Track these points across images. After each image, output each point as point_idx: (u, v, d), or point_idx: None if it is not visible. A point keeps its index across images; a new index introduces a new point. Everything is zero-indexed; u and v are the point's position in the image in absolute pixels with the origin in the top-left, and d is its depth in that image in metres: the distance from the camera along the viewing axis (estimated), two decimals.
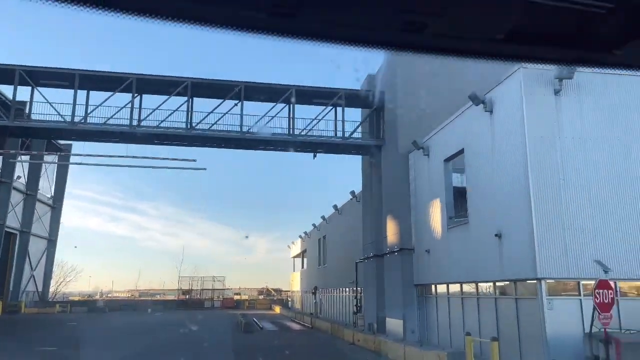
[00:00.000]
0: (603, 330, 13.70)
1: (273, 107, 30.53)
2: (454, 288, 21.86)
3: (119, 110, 29.49)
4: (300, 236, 64.69)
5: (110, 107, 29.63)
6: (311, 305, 51.11)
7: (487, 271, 18.61)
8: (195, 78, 30.40)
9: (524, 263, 16.20)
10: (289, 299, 73.92)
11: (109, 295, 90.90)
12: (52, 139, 42.47)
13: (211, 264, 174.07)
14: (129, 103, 29.65)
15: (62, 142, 49.97)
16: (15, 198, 50.16)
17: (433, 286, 23.94)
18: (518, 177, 16.89)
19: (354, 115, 34.53)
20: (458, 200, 22.35)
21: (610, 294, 13.68)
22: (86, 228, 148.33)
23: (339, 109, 31.28)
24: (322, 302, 48.00)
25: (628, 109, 17.22)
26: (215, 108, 30.05)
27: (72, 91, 29.47)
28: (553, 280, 15.83)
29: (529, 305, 16.27)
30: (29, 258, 53.93)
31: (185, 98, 30.05)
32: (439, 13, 1.50)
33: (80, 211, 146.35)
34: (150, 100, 35.24)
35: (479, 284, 19.86)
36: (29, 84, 29.57)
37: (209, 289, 76.24)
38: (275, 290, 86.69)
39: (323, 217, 49.82)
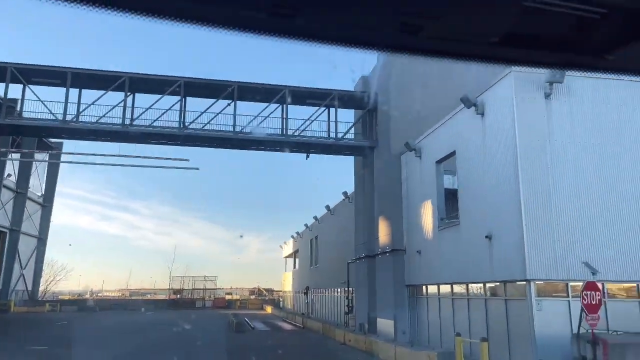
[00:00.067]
0: (590, 331, 13.83)
1: (266, 107, 30.51)
2: (445, 289, 21.96)
3: (112, 109, 29.34)
4: (292, 236, 64.63)
5: (102, 106, 29.49)
6: (303, 305, 51.09)
7: (478, 272, 18.73)
8: (188, 77, 30.32)
9: (514, 264, 16.33)
10: (281, 299, 73.82)
11: (99, 294, 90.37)
12: (43, 137, 42.12)
13: (203, 263, 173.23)
14: (121, 102, 29.51)
15: (53, 140, 49.59)
16: (5, 196, 49.71)
17: (424, 287, 24.03)
18: (508, 180, 17.01)
19: (347, 116, 34.62)
20: (449, 201, 22.47)
21: (598, 295, 13.82)
22: (77, 227, 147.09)
23: (332, 110, 31.33)
24: (314, 303, 48.00)
25: (617, 113, 17.40)
26: (209, 108, 30.00)
27: (64, 89, 29.31)
28: (542, 282, 15.97)
29: (518, 306, 16.39)
30: (19, 257, 53.47)
31: (179, 97, 29.97)
32: (435, 16, 1.53)
33: (71, 210, 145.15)
34: (143, 99, 35.00)
35: (470, 284, 19.98)
36: (20, 81, 29.33)
37: (200, 289, 76.00)
38: (267, 290, 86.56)
39: (315, 218, 49.81)
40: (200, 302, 71.13)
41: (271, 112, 30.48)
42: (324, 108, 31.15)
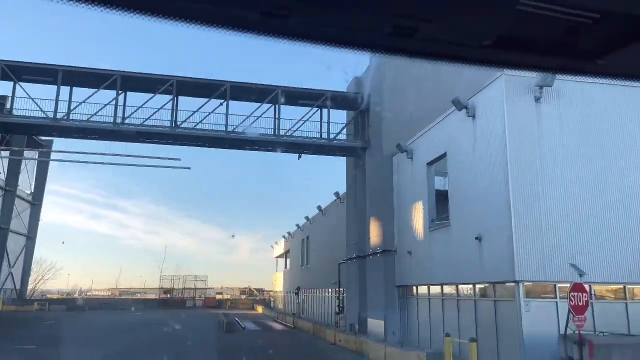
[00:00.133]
0: (577, 332, 13.97)
1: (259, 107, 30.45)
2: (435, 289, 22.05)
3: (103, 107, 29.11)
4: (283, 236, 64.56)
5: (94, 104, 29.26)
6: (293, 305, 51.06)
7: (468, 273, 18.83)
8: (180, 76, 30.18)
9: (503, 266, 16.43)
10: (272, 299, 73.72)
11: (89, 293, 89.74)
12: (33, 134, 41.70)
13: (193, 263, 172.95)
14: (113, 100, 29.31)
15: (43, 138, 49.15)
16: None
17: (414, 287, 24.11)
18: (498, 182, 17.11)
19: (340, 117, 34.59)
20: (440, 203, 22.56)
21: (585, 297, 13.97)
22: (66, 225, 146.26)
23: (325, 111, 31.33)
24: (305, 303, 47.99)
25: (605, 118, 17.56)
26: (201, 107, 29.86)
27: (55, 87, 29.05)
28: (530, 283, 16.10)
29: (507, 307, 16.51)
30: (7, 255, 52.95)
31: (171, 96, 29.83)
32: (429, 18, 1.54)
33: (61, 208, 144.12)
34: (135, 98, 34.76)
35: (459, 285, 20.08)
36: (10, 78, 29.05)
37: (191, 288, 75.71)
38: (258, 290, 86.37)
39: (307, 218, 49.80)
40: (190, 301, 70.88)
41: (264, 112, 30.43)
42: (317, 108, 31.15)
